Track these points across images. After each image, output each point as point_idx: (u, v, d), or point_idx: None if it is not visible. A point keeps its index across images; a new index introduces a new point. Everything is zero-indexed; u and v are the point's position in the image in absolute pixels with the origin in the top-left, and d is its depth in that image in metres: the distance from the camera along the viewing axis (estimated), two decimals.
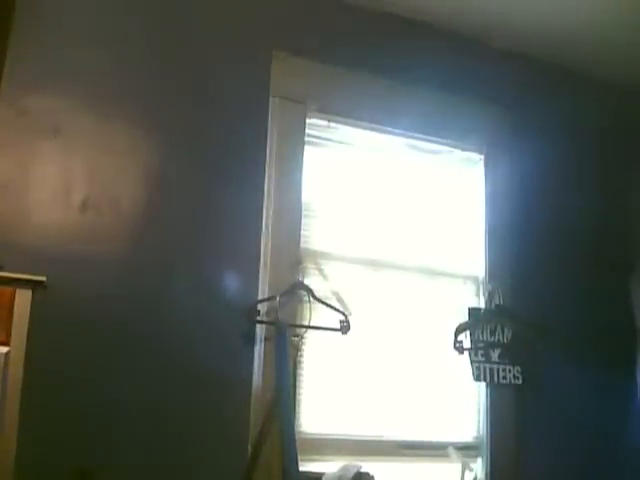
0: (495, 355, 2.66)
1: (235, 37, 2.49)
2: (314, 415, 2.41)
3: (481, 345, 2.64)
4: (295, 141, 2.52)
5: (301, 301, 2.40)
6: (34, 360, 1.92)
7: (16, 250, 2.01)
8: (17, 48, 2.12)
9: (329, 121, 2.63)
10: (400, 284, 2.64)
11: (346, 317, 2.42)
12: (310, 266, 2.49)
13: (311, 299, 2.40)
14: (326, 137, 2.64)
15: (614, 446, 2.84)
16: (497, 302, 2.67)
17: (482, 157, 2.88)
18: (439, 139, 2.81)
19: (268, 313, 2.33)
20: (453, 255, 2.78)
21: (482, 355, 2.64)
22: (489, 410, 2.64)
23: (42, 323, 1.96)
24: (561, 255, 2.93)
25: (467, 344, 2.61)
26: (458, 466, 2.61)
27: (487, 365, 2.64)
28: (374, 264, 2.62)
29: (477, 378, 2.62)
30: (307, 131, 2.56)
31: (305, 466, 2.19)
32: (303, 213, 2.48)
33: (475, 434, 2.66)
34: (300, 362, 2.40)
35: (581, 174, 3.07)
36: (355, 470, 2.17)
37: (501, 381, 2.64)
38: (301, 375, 2.40)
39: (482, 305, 2.73)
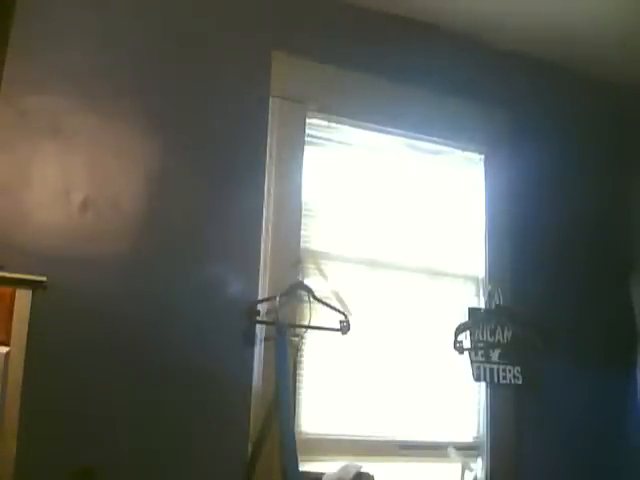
0: (495, 355, 2.66)
1: (235, 37, 2.49)
2: (314, 415, 2.40)
3: (481, 345, 2.65)
4: (295, 141, 2.52)
5: (301, 301, 2.40)
6: (34, 360, 1.92)
7: (16, 250, 2.01)
8: (17, 48, 2.13)
9: (329, 121, 2.63)
10: (400, 284, 2.64)
11: (346, 317, 2.42)
12: (310, 266, 2.50)
13: (311, 299, 2.40)
14: (326, 137, 2.64)
15: (614, 446, 2.84)
16: (497, 302, 2.67)
17: (482, 157, 2.88)
18: (439, 139, 2.81)
19: (268, 313, 2.32)
20: (453, 255, 2.78)
21: (482, 355, 2.64)
22: (489, 410, 2.64)
23: (42, 323, 1.96)
24: (561, 255, 2.93)
25: (467, 344, 2.62)
26: (458, 466, 2.62)
27: (487, 365, 2.64)
28: (374, 264, 2.62)
29: (477, 378, 2.62)
30: (307, 131, 2.56)
31: (305, 466, 2.19)
32: (303, 213, 2.48)
33: (475, 434, 2.66)
34: (300, 362, 2.40)
35: (581, 174, 3.07)
36: (355, 470, 2.17)
37: (501, 381, 2.65)
38: (301, 375, 2.40)
39: (482, 305, 2.73)
